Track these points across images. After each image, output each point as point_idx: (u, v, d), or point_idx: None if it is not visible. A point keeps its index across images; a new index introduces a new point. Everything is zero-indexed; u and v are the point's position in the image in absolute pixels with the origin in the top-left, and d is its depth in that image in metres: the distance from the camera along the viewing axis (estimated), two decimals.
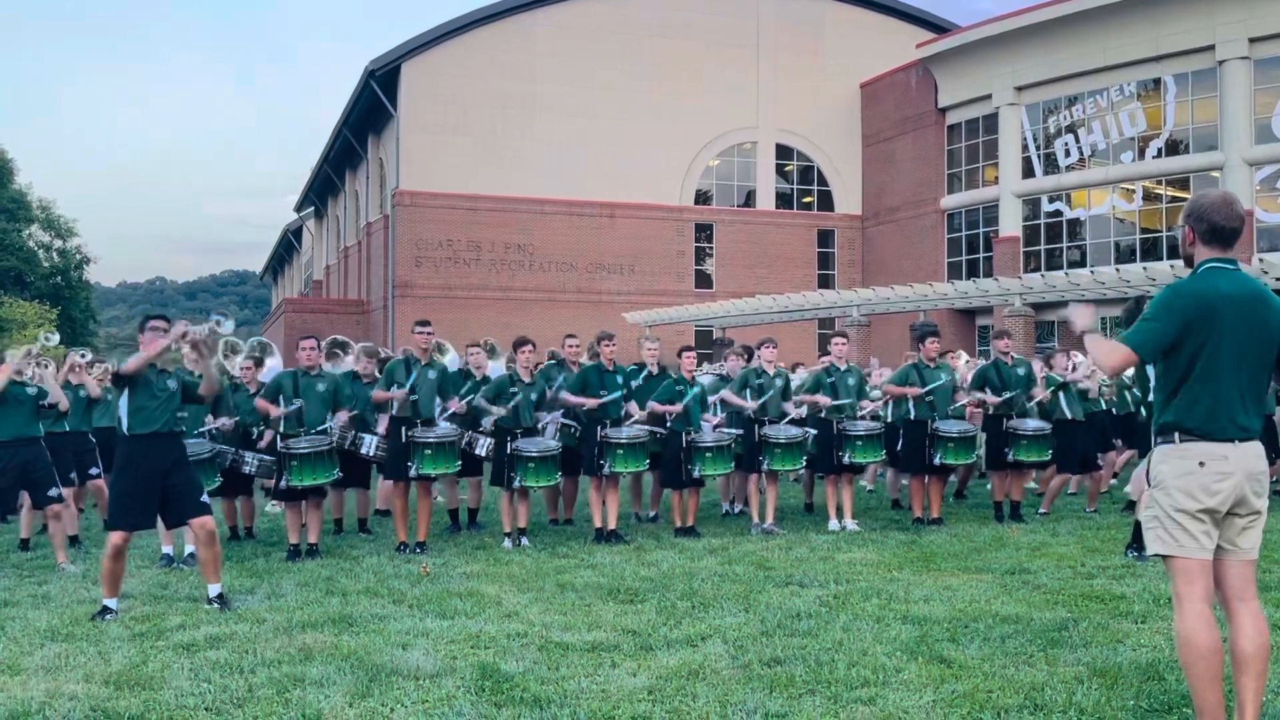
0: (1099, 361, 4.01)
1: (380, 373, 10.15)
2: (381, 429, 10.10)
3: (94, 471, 10.69)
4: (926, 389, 10.40)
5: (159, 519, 7.13)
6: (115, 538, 6.64)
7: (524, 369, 9.64)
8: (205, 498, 6.93)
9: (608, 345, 10.01)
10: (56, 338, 9.69)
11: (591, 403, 9.63)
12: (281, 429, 8.99)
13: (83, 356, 10.96)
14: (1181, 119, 29.90)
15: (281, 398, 9.04)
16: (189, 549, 8.59)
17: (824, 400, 10.30)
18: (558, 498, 11.01)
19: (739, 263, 38.09)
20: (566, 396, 9.81)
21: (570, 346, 10.90)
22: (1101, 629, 5.89)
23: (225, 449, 9.42)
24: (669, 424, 9.94)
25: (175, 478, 6.78)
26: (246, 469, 9.53)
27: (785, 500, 12.11)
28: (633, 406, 10.00)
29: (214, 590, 6.84)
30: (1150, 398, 4.24)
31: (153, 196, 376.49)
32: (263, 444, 9.84)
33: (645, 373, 10.47)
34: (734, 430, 10.42)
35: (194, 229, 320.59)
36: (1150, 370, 4.38)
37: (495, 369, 11.57)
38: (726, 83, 37.35)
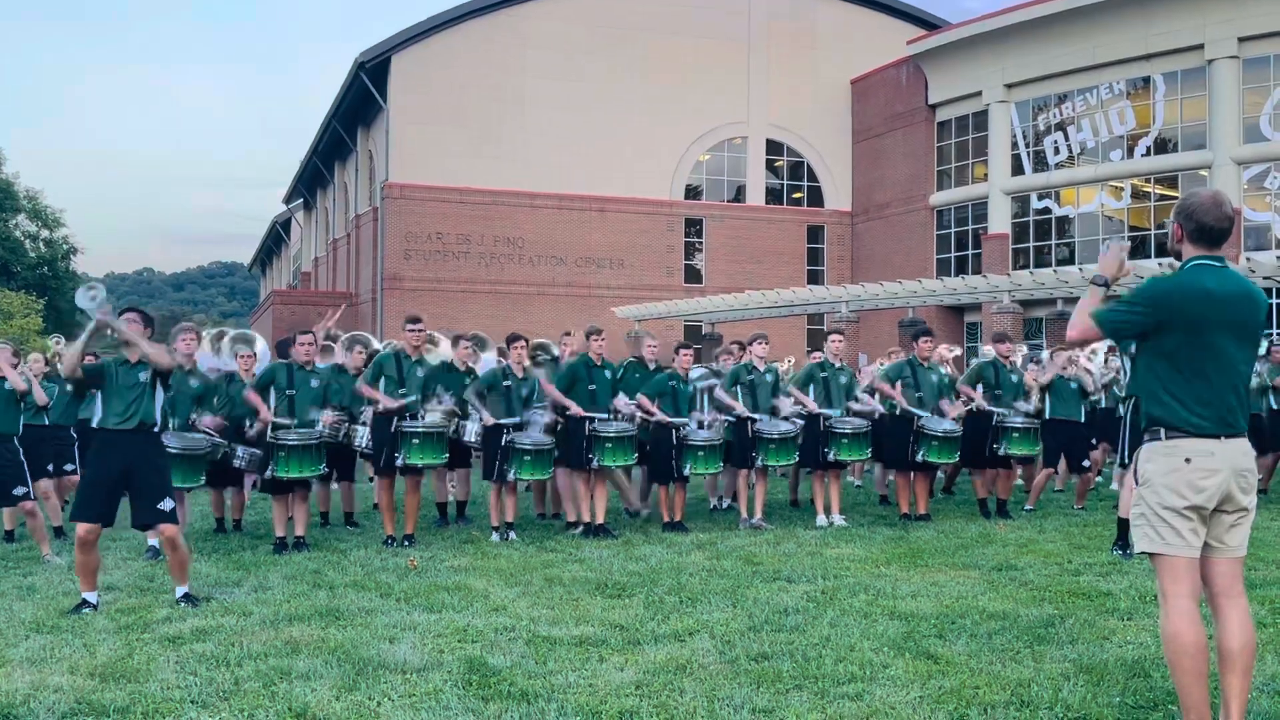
0: (1071, 321, 4.07)
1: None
2: (367, 418, 10.06)
3: (69, 468, 10.61)
4: (919, 416, 10.39)
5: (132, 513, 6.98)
6: (79, 529, 6.54)
7: (516, 365, 9.67)
8: (168, 504, 6.66)
9: (597, 340, 9.99)
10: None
11: (576, 409, 9.62)
12: (272, 420, 8.94)
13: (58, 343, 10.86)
14: (1170, 117, 30.01)
15: (274, 389, 9.00)
16: None
17: (811, 404, 10.33)
18: (545, 492, 11.00)
19: (728, 258, 38.10)
20: (551, 390, 9.77)
21: (566, 345, 10.92)
22: (1088, 626, 5.90)
23: (220, 441, 9.33)
24: (652, 420, 9.93)
25: (141, 474, 6.60)
26: (236, 462, 9.43)
27: (773, 495, 12.11)
28: (620, 400, 9.98)
29: (180, 591, 6.77)
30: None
31: (141, 187, 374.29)
32: (251, 434, 9.77)
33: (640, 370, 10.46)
34: (722, 431, 10.39)
35: (182, 220, 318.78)
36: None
37: (486, 361, 11.56)
38: (717, 77, 37.34)
